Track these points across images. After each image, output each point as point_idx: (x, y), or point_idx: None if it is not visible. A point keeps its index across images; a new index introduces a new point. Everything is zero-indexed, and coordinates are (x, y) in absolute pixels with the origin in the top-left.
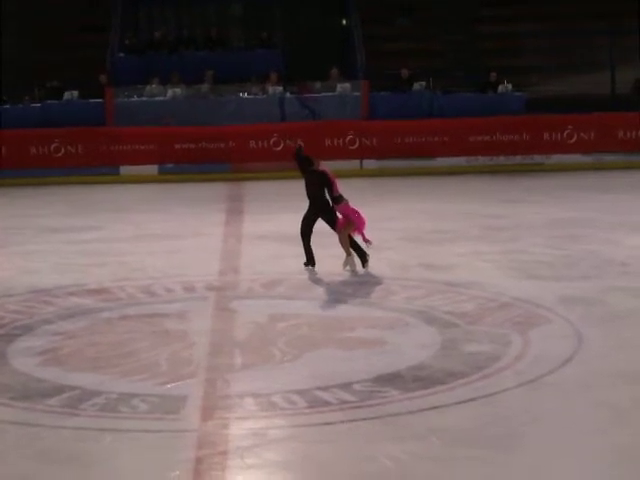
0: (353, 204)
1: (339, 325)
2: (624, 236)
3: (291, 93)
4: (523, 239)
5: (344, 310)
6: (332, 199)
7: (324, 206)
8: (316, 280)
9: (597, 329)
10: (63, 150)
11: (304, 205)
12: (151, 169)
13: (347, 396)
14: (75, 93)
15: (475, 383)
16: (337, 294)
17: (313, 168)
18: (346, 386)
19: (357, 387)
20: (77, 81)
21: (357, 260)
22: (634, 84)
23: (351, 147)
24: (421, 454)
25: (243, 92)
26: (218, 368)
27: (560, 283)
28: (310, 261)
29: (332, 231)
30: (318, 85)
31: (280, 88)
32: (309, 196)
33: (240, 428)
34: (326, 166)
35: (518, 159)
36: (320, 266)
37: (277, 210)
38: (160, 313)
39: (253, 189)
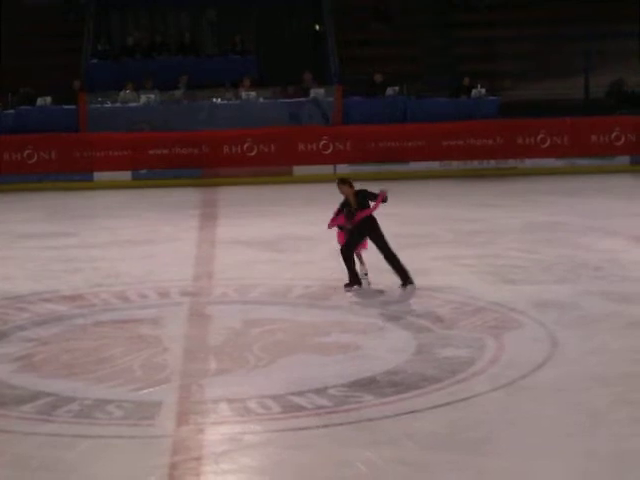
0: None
1: (313, 330)
2: (598, 240)
3: (264, 98)
4: (497, 243)
5: (318, 315)
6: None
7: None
8: (290, 286)
9: (571, 333)
10: (36, 156)
11: (278, 210)
12: (125, 175)
13: (322, 401)
14: (48, 99)
15: (450, 387)
16: (311, 299)
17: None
18: (321, 391)
19: (332, 392)
20: (50, 87)
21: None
22: (609, 88)
23: (325, 152)
24: (396, 459)
25: (216, 97)
26: (193, 374)
27: (534, 287)
28: (354, 280)
29: (309, 237)
30: (291, 90)
31: (253, 93)
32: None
33: (215, 433)
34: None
35: (492, 163)
36: (293, 271)
37: (251, 215)
38: (134, 319)
39: (227, 194)
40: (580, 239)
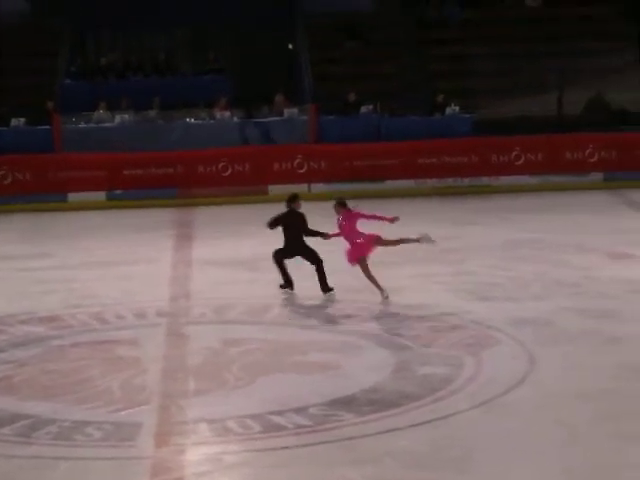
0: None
1: (292, 349)
2: (573, 257)
3: (239, 118)
4: (473, 261)
5: (297, 334)
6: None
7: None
8: (267, 305)
9: (549, 350)
10: (11, 177)
11: (253, 230)
12: (99, 195)
13: (302, 420)
14: (22, 120)
15: (429, 405)
16: (288, 318)
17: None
18: (301, 410)
19: (312, 411)
20: (24, 108)
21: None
22: (585, 105)
23: (299, 171)
24: (378, 477)
25: (191, 117)
26: (172, 394)
27: (511, 304)
28: (288, 284)
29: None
30: (266, 109)
31: (228, 113)
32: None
33: (195, 454)
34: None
35: (466, 181)
36: (270, 290)
37: (226, 235)
38: (112, 340)
39: (202, 214)
40: (556, 256)
